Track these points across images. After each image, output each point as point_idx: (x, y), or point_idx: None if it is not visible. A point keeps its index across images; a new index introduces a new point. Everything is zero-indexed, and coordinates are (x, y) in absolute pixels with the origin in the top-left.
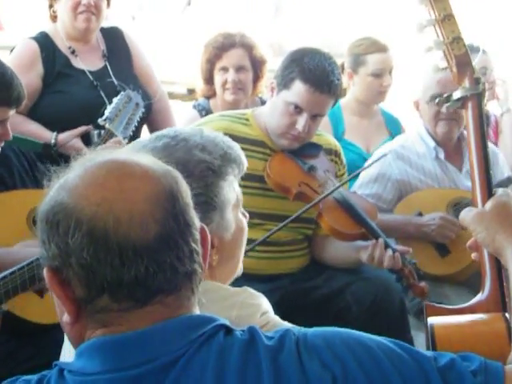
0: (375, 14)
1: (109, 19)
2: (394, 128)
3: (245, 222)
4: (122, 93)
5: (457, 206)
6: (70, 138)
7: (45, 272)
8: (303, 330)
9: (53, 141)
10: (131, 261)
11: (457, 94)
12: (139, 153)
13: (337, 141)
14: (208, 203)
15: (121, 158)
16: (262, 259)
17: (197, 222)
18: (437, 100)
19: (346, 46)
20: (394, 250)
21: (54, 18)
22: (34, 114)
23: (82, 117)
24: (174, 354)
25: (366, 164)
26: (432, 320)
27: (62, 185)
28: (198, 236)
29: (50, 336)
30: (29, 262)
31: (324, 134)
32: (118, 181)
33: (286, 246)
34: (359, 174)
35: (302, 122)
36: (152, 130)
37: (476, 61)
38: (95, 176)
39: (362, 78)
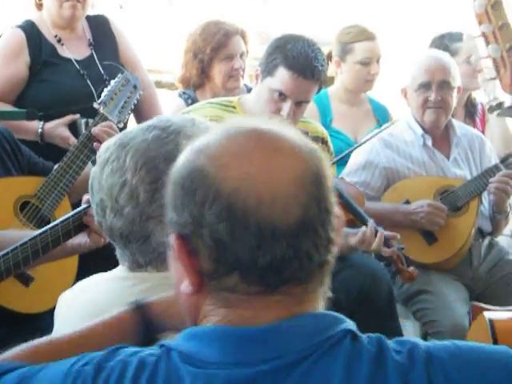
0: (362, 2)
1: (96, 7)
2: (381, 116)
3: None
4: (120, 75)
5: (444, 194)
6: (56, 126)
7: (173, 238)
8: (426, 343)
9: (39, 130)
10: (268, 243)
11: (508, 102)
12: (284, 125)
13: (325, 129)
14: None
15: (268, 130)
16: None
17: (336, 208)
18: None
19: (333, 34)
20: (385, 238)
21: (39, 6)
22: (20, 103)
23: (68, 106)
24: (299, 354)
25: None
26: (489, 315)
27: (201, 149)
28: (335, 224)
29: (38, 324)
30: (13, 247)
31: (311, 121)
32: (265, 156)
33: None
34: (342, 157)
35: (286, 108)
36: (138, 118)
37: (462, 49)
38: (242, 147)
39: (350, 66)
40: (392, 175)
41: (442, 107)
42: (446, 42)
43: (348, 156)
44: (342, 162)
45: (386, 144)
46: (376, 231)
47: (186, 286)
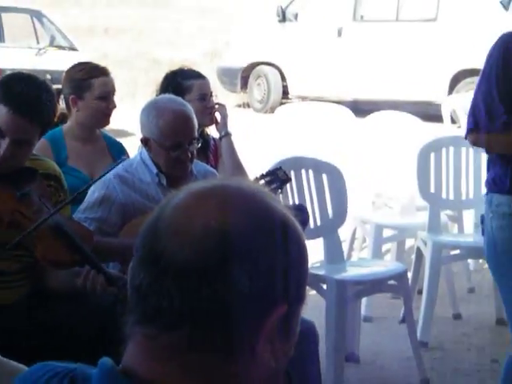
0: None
1: None
2: (116, 152)
3: None
4: None
5: None
6: None
7: None
8: None
9: None
10: (146, 266)
11: None
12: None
13: (60, 166)
14: None
15: (233, 186)
16: None
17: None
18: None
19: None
20: (109, 277)
21: None
22: None
23: None
24: None
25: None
26: None
27: None
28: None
29: None
30: None
31: (43, 158)
32: (198, 197)
33: (7, 277)
34: (79, 194)
35: (3, 146)
36: None
37: (194, 86)
38: (199, 187)
39: (88, 102)
40: (129, 211)
41: (191, 160)
42: (178, 80)
43: (84, 194)
44: (78, 201)
45: (122, 180)
46: (100, 272)
47: None
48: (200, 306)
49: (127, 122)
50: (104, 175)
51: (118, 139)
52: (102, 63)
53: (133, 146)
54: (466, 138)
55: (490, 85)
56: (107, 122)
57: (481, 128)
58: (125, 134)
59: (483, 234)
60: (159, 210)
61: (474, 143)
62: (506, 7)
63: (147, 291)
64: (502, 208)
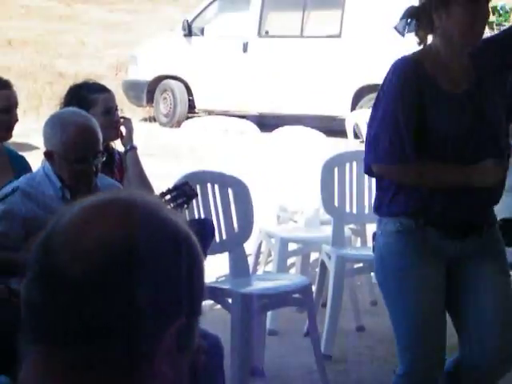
0: None
1: None
2: (19, 166)
3: None
4: None
5: None
6: None
7: None
8: None
9: None
10: (40, 279)
11: None
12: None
13: None
14: None
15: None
16: None
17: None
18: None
19: None
20: (12, 289)
21: None
22: None
23: None
24: None
25: None
26: None
27: None
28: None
29: None
30: None
31: None
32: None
33: None
34: None
35: None
36: None
37: (99, 100)
38: (95, 200)
39: None
40: (32, 226)
41: (96, 174)
42: (83, 93)
43: None
44: None
45: (24, 194)
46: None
47: None
48: (96, 321)
49: (31, 136)
50: (3, 190)
51: (22, 153)
52: (5, 76)
53: (36, 160)
54: (366, 172)
55: (392, 116)
56: (9, 136)
57: (384, 159)
58: (28, 147)
59: (373, 251)
60: (52, 224)
61: (381, 175)
62: (401, 33)
63: (41, 308)
64: (388, 226)
